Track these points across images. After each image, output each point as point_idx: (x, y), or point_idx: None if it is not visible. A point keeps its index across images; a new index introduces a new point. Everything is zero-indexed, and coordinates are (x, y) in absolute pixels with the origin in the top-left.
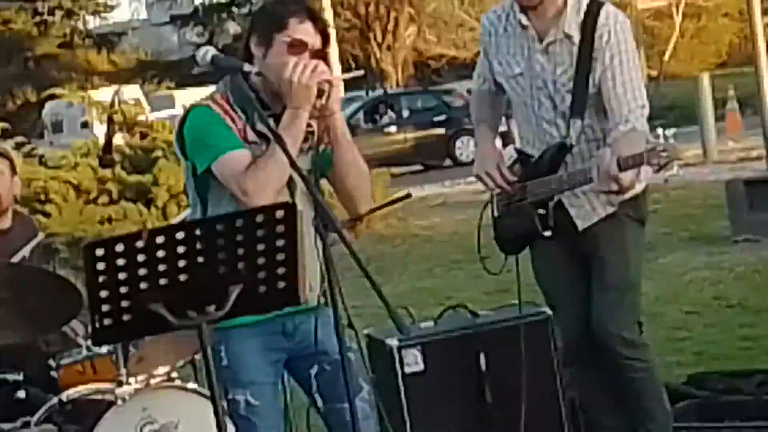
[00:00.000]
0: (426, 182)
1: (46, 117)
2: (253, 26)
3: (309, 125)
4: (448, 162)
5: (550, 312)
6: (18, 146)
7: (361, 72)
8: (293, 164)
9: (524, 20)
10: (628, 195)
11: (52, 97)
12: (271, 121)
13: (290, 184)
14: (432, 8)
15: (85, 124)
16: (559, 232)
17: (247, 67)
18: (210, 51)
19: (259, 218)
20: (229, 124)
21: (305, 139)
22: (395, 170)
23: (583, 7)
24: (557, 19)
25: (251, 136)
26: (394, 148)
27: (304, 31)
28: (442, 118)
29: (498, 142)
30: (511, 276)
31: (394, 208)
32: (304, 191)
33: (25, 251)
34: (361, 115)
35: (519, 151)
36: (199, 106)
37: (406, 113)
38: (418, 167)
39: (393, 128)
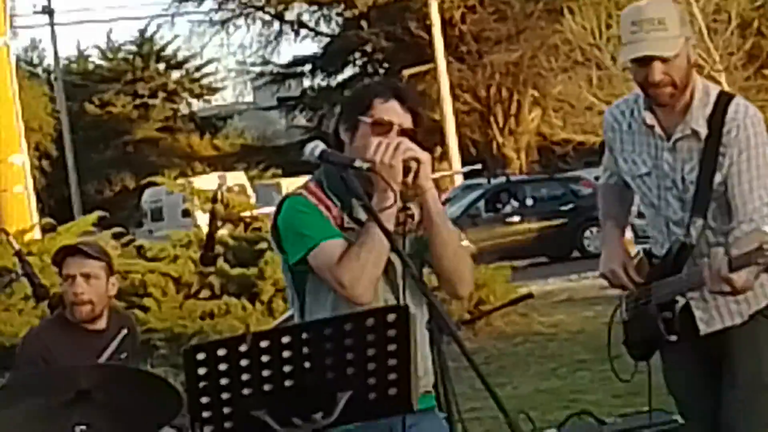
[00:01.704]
0: (551, 276)
1: (144, 204)
2: (341, 112)
3: (408, 209)
4: (575, 254)
5: (681, 421)
6: (116, 236)
7: (478, 166)
8: (395, 248)
9: (649, 119)
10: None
11: (152, 183)
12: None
13: (388, 270)
14: (557, 90)
15: (186, 213)
16: (687, 336)
17: (357, 162)
18: (319, 146)
19: (370, 322)
20: (324, 212)
21: (403, 223)
22: (517, 263)
23: (712, 101)
24: (684, 114)
25: (348, 223)
26: (516, 239)
27: (389, 110)
28: (568, 207)
29: (628, 235)
30: (641, 378)
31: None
32: (401, 275)
33: (112, 347)
34: (482, 203)
35: (646, 252)
36: (293, 196)
37: (530, 202)
38: (543, 259)
39: (516, 218)
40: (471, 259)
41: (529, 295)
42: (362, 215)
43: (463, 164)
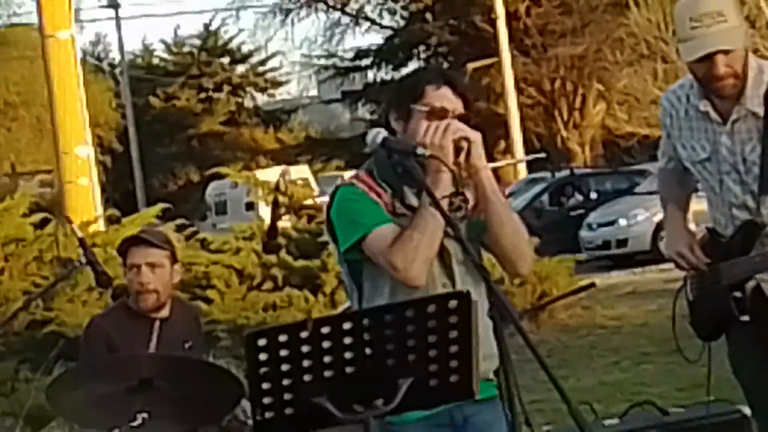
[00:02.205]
0: (614, 269)
1: (209, 198)
2: (390, 101)
3: (461, 194)
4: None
5: (746, 411)
6: (179, 228)
7: (542, 154)
8: (453, 227)
9: (702, 106)
10: None
11: (216, 177)
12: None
13: (443, 255)
14: (622, 84)
15: (250, 206)
16: (758, 319)
17: (419, 149)
18: (381, 133)
19: (431, 308)
20: (375, 199)
21: (459, 208)
22: (581, 256)
23: (765, 79)
24: (738, 96)
25: (400, 209)
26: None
27: (441, 97)
28: None
29: (690, 223)
30: (706, 370)
31: (579, 297)
32: (460, 261)
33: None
34: (546, 197)
35: (710, 230)
36: (344, 186)
37: (594, 195)
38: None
39: (580, 211)
40: (528, 237)
41: (591, 285)
42: (414, 201)
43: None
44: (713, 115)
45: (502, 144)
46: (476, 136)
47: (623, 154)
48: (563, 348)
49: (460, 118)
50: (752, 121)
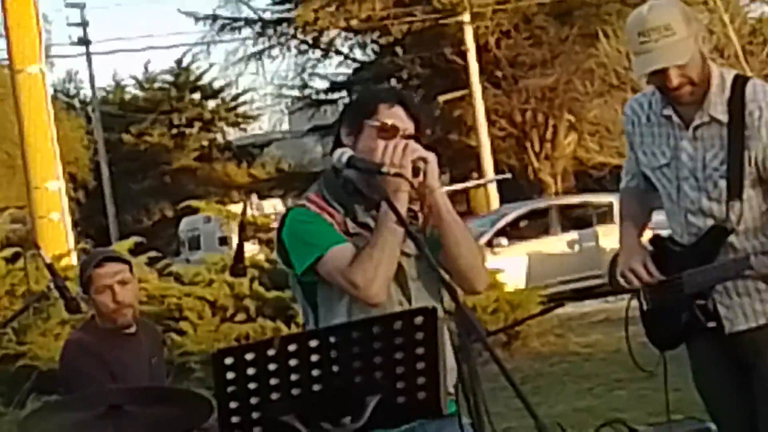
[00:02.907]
0: (587, 298)
1: (182, 233)
2: (343, 117)
3: (411, 210)
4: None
5: (713, 427)
6: (151, 261)
7: (508, 175)
8: (418, 243)
9: (666, 111)
10: None
11: (189, 211)
12: (371, 214)
13: (398, 272)
14: (593, 114)
15: (223, 240)
16: (718, 330)
17: (385, 168)
18: (347, 152)
19: (397, 325)
20: (328, 219)
21: (410, 224)
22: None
23: (728, 86)
24: (702, 102)
25: (353, 228)
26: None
27: (393, 115)
28: None
29: (645, 238)
30: (678, 395)
31: (552, 325)
32: (414, 278)
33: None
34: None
35: (663, 240)
36: (295, 208)
37: None
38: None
39: None
40: (483, 254)
41: (561, 304)
42: (367, 220)
43: (500, 190)
44: (676, 119)
45: (475, 176)
46: (432, 157)
47: (595, 184)
48: (536, 375)
49: (413, 139)
50: (716, 128)
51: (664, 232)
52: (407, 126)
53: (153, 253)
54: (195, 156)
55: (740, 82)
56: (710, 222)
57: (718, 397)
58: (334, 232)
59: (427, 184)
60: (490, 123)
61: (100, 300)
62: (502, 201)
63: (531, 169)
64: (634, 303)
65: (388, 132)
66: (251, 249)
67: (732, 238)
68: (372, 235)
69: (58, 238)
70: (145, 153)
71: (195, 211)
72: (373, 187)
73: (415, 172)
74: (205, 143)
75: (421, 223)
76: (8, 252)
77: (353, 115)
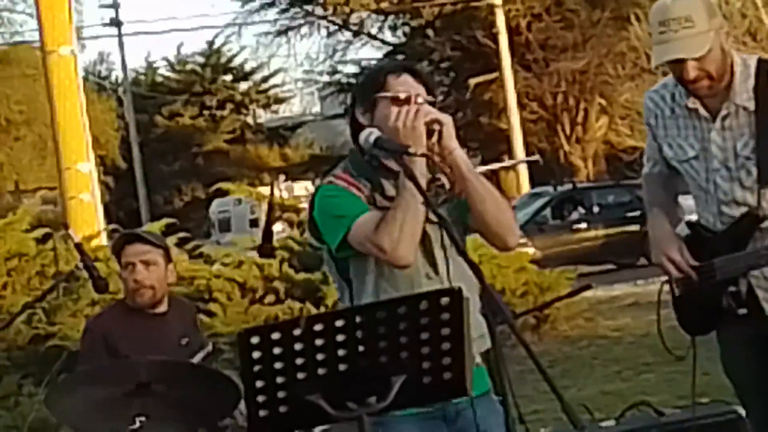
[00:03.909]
0: (617, 281)
1: (212, 215)
2: (355, 96)
3: (437, 179)
4: (642, 261)
5: (741, 411)
6: (181, 242)
7: (537, 157)
8: (438, 215)
9: (691, 103)
10: None
11: (220, 194)
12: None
13: (424, 240)
14: (624, 98)
15: (254, 222)
16: (750, 317)
17: (412, 149)
18: (374, 133)
19: (423, 305)
20: (355, 192)
21: (437, 194)
22: (584, 269)
23: (752, 72)
24: (727, 92)
25: (380, 201)
26: (583, 246)
27: (403, 83)
28: (636, 213)
29: (681, 225)
30: (706, 379)
31: (581, 309)
32: (440, 246)
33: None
34: (548, 211)
35: (691, 226)
36: (322, 186)
37: (596, 209)
38: (610, 266)
39: (583, 225)
40: (511, 209)
41: (588, 286)
42: (394, 192)
43: (530, 173)
44: (702, 111)
45: (505, 158)
46: (447, 119)
47: (626, 168)
48: (565, 359)
49: (426, 103)
50: (743, 116)
51: (693, 217)
52: (419, 91)
53: (182, 234)
54: (227, 138)
55: (764, 67)
56: (745, 211)
57: (747, 382)
58: (361, 203)
59: (444, 146)
60: (521, 106)
61: (124, 277)
62: (533, 185)
63: (562, 153)
64: (665, 287)
65: (401, 101)
66: (280, 230)
67: (765, 225)
68: (395, 198)
69: (89, 219)
70: (177, 135)
71: (226, 192)
72: (406, 166)
73: (430, 134)
74: (237, 125)
75: (449, 190)
76: (39, 233)
77: (364, 91)
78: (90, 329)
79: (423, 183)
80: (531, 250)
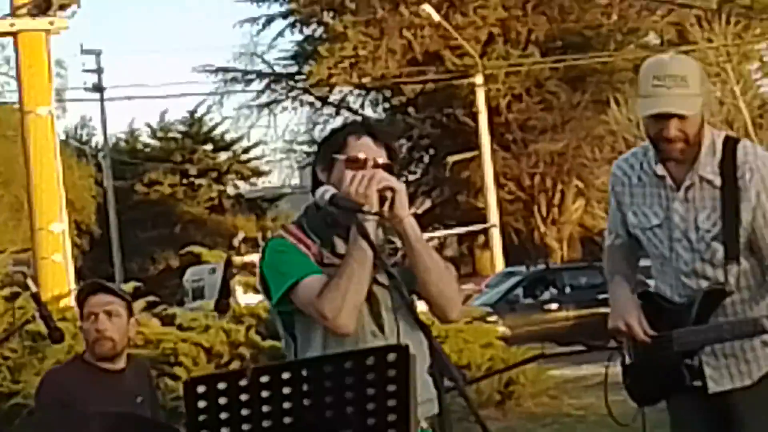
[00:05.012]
0: (586, 362)
1: (186, 283)
2: (317, 153)
3: (391, 241)
4: (612, 343)
5: None
6: (150, 306)
7: (494, 223)
8: (387, 271)
9: (660, 170)
10: None
11: (194, 261)
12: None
13: (371, 301)
14: (601, 181)
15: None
16: (697, 391)
17: (366, 207)
18: (330, 190)
19: (370, 361)
20: (302, 250)
21: (390, 255)
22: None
23: (719, 148)
24: (693, 163)
25: (328, 258)
26: (554, 326)
27: (362, 146)
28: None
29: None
30: None
31: (547, 386)
32: (389, 308)
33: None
34: (520, 290)
35: (651, 296)
36: (272, 239)
37: (568, 289)
38: (580, 347)
39: (554, 305)
40: (456, 282)
41: (541, 355)
42: (344, 250)
43: (505, 253)
44: (668, 180)
45: (481, 238)
46: (400, 186)
47: (601, 251)
48: None
49: (385, 167)
50: (708, 189)
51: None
52: (376, 154)
53: (151, 298)
54: (205, 207)
55: (731, 144)
56: (703, 283)
57: None
58: (308, 262)
59: (395, 213)
60: (499, 186)
61: (85, 327)
62: (507, 264)
63: (537, 234)
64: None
65: (357, 163)
66: (249, 298)
67: (729, 300)
68: (340, 265)
69: (60, 279)
70: (155, 202)
71: (201, 261)
72: (362, 225)
73: (382, 201)
74: (215, 194)
75: (400, 256)
76: (7, 291)
77: (325, 150)
78: (46, 382)
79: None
80: (501, 328)
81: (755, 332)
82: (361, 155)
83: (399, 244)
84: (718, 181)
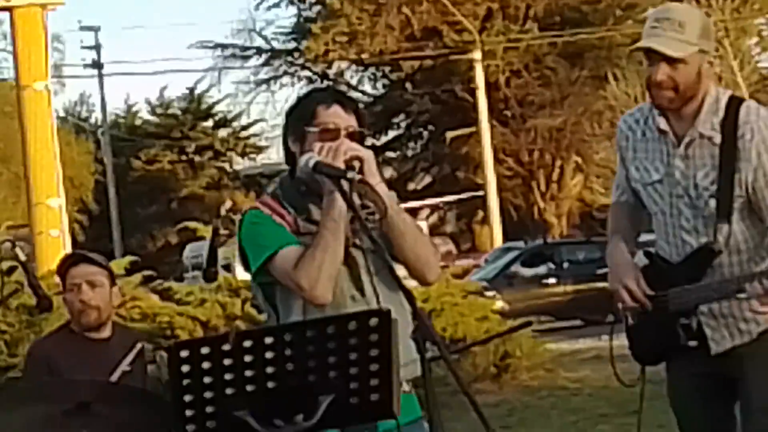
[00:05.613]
0: (583, 336)
1: (186, 259)
2: (287, 124)
3: (367, 206)
4: (610, 318)
5: None
6: (146, 280)
7: (480, 192)
8: (370, 236)
9: (663, 125)
10: None
11: (194, 239)
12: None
13: (350, 266)
14: (600, 157)
15: (227, 267)
16: (699, 352)
17: (350, 173)
18: (313, 158)
19: (352, 326)
20: (278, 221)
21: (367, 220)
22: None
23: (723, 106)
24: (694, 118)
25: (304, 227)
26: (552, 301)
27: (332, 115)
28: (606, 270)
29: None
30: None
31: (542, 359)
32: (367, 271)
33: (124, 365)
34: (519, 265)
35: (649, 256)
36: (249, 211)
37: (566, 265)
38: (578, 322)
39: (552, 280)
40: (433, 245)
41: (528, 323)
42: (319, 217)
43: (504, 229)
44: (671, 136)
45: (480, 214)
46: (368, 154)
47: (600, 226)
48: (523, 408)
49: (355, 135)
50: (707, 146)
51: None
52: (348, 123)
53: (148, 272)
54: (204, 184)
55: (735, 103)
56: (704, 241)
57: (690, 414)
58: (284, 232)
59: (365, 181)
60: (498, 161)
61: (68, 298)
62: (506, 239)
63: (536, 209)
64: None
65: (330, 133)
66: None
67: (719, 260)
68: (314, 236)
69: (57, 253)
70: (154, 179)
71: (198, 237)
72: (344, 191)
73: (350, 170)
74: (214, 171)
75: (376, 222)
76: (4, 265)
77: (295, 121)
78: (34, 351)
79: (343, 213)
80: (500, 303)
81: (738, 291)
82: (332, 125)
83: (375, 208)
84: (717, 139)
